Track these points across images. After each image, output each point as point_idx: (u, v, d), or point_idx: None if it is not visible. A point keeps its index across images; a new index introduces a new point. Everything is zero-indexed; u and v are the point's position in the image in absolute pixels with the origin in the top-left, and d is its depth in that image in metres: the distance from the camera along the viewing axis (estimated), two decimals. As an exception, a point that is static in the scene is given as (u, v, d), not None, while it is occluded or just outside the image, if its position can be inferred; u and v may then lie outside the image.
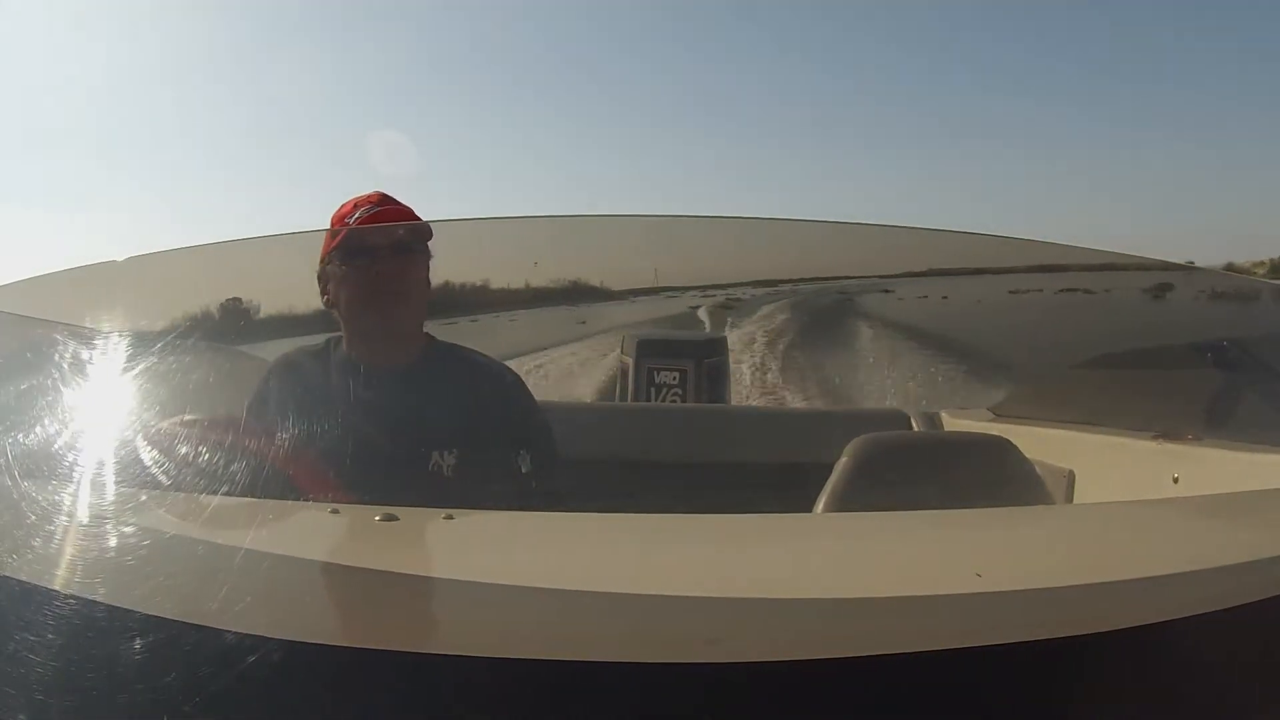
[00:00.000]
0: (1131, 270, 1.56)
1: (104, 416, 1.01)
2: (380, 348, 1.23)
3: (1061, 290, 1.71)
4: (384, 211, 1.24)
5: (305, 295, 1.30)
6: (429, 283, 1.25)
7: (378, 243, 1.21)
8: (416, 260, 1.23)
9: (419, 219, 1.27)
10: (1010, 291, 1.80)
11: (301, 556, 0.70)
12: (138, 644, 0.50)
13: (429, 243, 1.25)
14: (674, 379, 3.08)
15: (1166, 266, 1.57)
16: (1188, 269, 1.71)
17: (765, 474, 1.38)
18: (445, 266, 1.29)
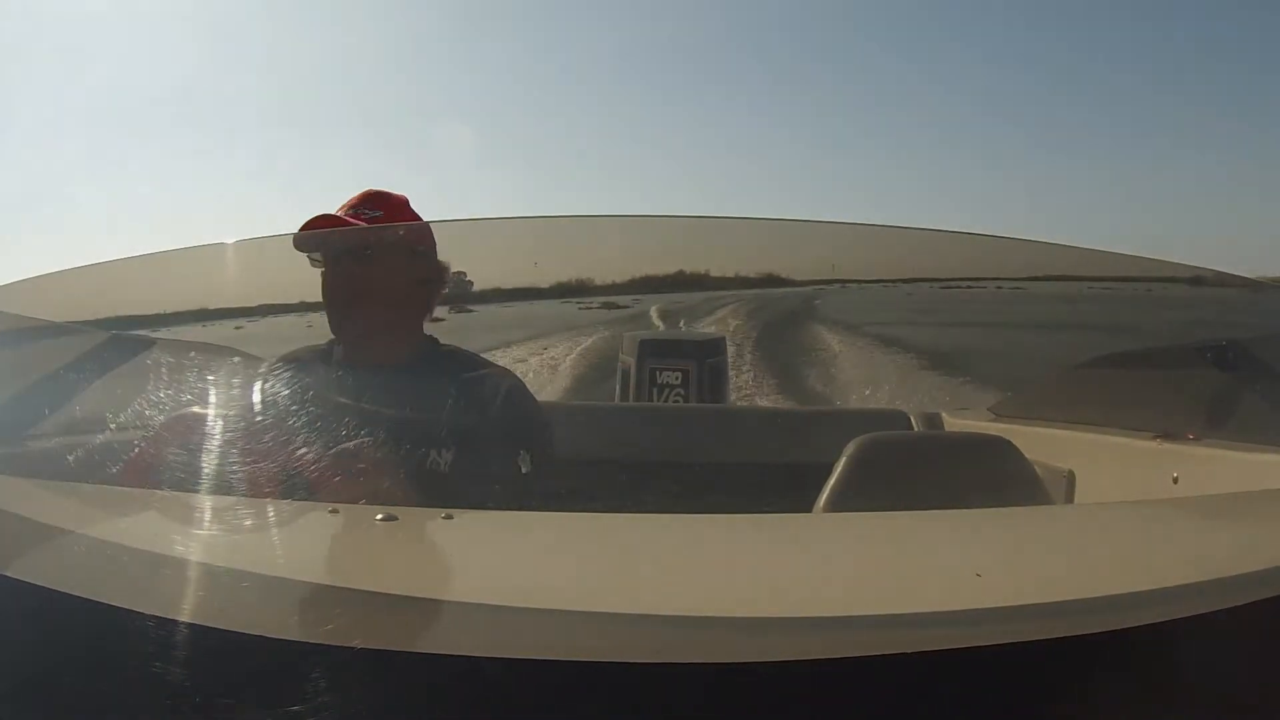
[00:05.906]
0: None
1: (103, 416, 1.01)
2: (368, 348, 1.23)
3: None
4: (360, 214, 1.24)
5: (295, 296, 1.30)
6: (420, 283, 1.25)
7: (333, 245, 1.21)
8: (386, 262, 1.23)
9: (409, 219, 1.27)
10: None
11: (301, 556, 0.70)
12: (138, 644, 0.50)
13: (415, 242, 1.24)
14: (677, 379, 3.10)
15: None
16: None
17: (765, 474, 1.39)
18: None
